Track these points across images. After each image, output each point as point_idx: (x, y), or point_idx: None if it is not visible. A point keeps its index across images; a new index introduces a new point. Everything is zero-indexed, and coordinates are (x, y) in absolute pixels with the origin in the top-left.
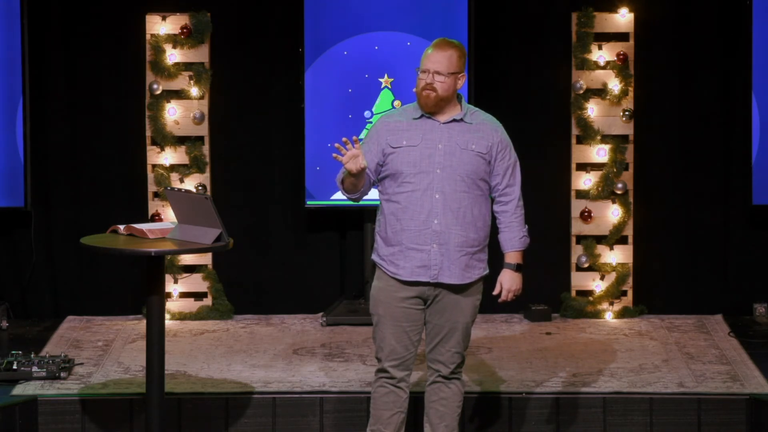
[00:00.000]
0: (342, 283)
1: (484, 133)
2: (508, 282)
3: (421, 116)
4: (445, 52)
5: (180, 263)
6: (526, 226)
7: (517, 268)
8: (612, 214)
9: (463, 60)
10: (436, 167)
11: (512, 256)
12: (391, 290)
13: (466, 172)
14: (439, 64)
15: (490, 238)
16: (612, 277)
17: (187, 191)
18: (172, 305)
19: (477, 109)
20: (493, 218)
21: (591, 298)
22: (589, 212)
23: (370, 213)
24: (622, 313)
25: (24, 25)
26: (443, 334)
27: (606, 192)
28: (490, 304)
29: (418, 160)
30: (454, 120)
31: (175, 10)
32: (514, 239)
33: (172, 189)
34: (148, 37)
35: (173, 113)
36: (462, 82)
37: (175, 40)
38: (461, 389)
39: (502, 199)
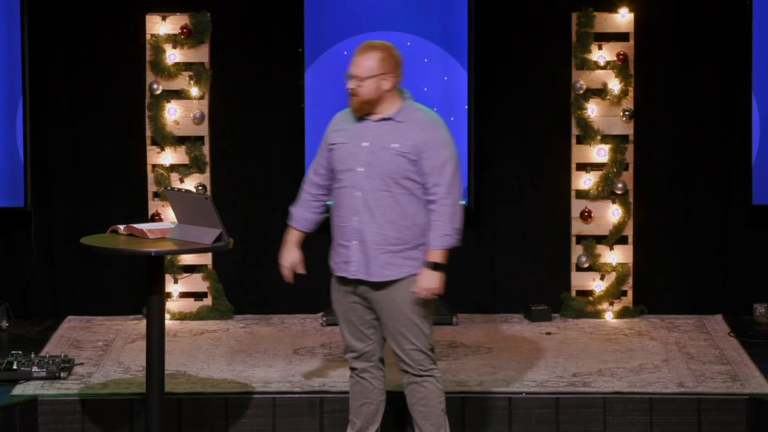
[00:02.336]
0: None
1: (412, 132)
2: (422, 280)
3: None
4: (363, 55)
5: (180, 263)
6: (454, 227)
7: (435, 266)
8: (612, 214)
9: (390, 60)
10: (359, 165)
11: (430, 254)
12: (336, 286)
13: (386, 171)
14: (357, 67)
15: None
16: (612, 277)
17: (187, 191)
18: (172, 305)
19: (420, 107)
20: None
21: (591, 298)
22: (589, 212)
23: None
24: (622, 313)
25: (24, 25)
26: (391, 334)
27: (606, 192)
28: (491, 304)
29: (346, 157)
30: (384, 119)
31: (175, 10)
32: (434, 237)
33: (172, 189)
34: (148, 37)
35: (173, 113)
36: (390, 82)
37: (175, 40)
38: (437, 386)
39: (429, 198)
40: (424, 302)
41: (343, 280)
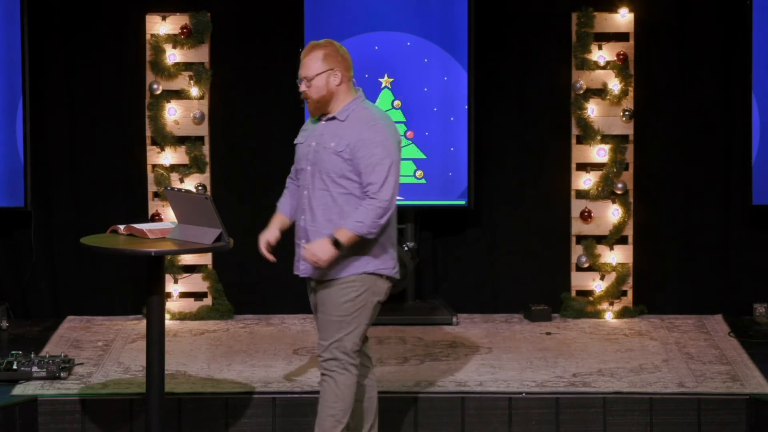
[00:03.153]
0: None
1: (349, 130)
2: (316, 246)
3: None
4: (308, 56)
5: (180, 263)
6: (373, 221)
7: (334, 242)
8: (612, 214)
9: (334, 56)
10: (308, 165)
11: (339, 231)
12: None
13: (326, 170)
14: (304, 68)
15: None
16: (612, 277)
17: (187, 191)
18: (172, 305)
19: (368, 106)
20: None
21: (591, 298)
22: (589, 212)
23: None
24: (622, 313)
25: (24, 24)
26: (317, 328)
27: (606, 192)
28: (491, 304)
29: (300, 157)
30: (330, 118)
31: (175, 10)
32: (350, 220)
33: (172, 189)
34: (148, 37)
35: (173, 113)
36: (338, 78)
37: (175, 40)
38: (334, 389)
39: (365, 195)
40: (346, 305)
41: (305, 279)
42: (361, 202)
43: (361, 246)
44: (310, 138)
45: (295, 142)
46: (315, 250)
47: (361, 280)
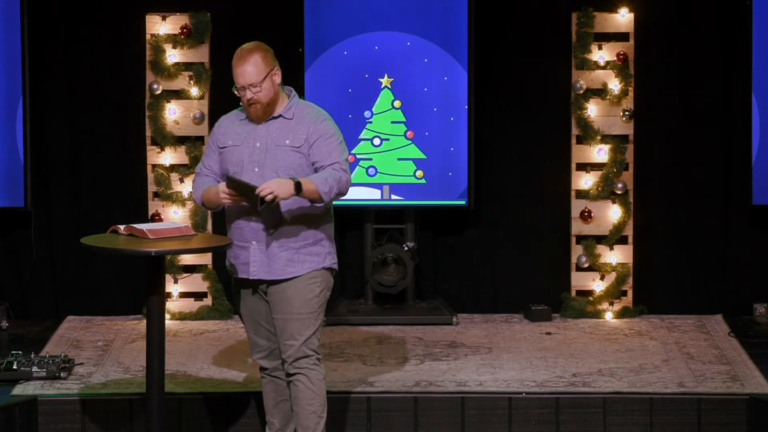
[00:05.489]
0: (342, 283)
1: (302, 126)
2: (273, 182)
3: (247, 116)
4: (247, 62)
5: (180, 263)
6: (337, 185)
7: (296, 185)
8: (612, 214)
9: (269, 56)
10: (254, 166)
11: (305, 179)
12: (237, 287)
13: (281, 168)
14: (249, 75)
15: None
16: (612, 277)
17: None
18: (172, 305)
19: (307, 103)
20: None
21: (591, 298)
22: (589, 212)
23: (369, 213)
24: (622, 313)
25: (24, 25)
26: (278, 328)
27: (606, 192)
28: (491, 304)
29: (240, 159)
30: (273, 117)
31: (175, 10)
32: (318, 174)
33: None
34: (148, 37)
35: (173, 113)
36: (278, 76)
37: (175, 40)
38: (309, 386)
39: (323, 165)
40: (313, 300)
41: (245, 282)
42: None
43: (321, 240)
44: (248, 139)
45: (222, 144)
46: (273, 185)
47: (321, 275)
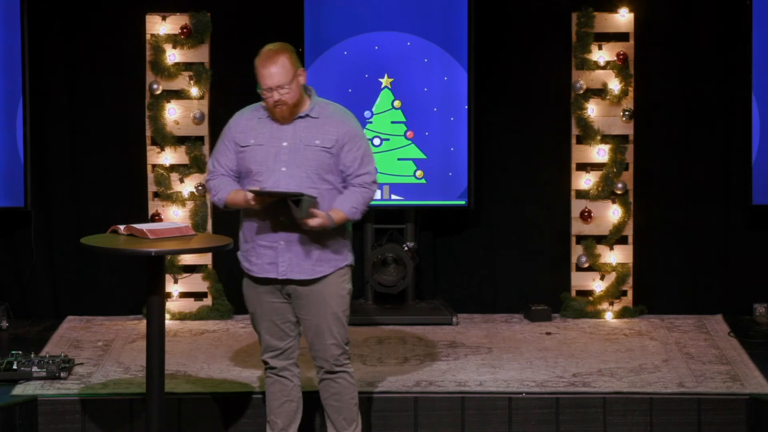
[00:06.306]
0: None
1: (330, 126)
2: (319, 214)
3: (268, 115)
4: (274, 64)
5: (180, 263)
6: (365, 206)
7: (331, 220)
8: (612, 214)
9: (295, 56)
10: (281, 165)
11: (335, 212)
12: (253, 287)
13: (311, 168)
14: (277, 77)
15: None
16: (612, 277)
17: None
18: (172, 305)
19: (328, 101)
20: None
21: (591, 298)
22: (589, 212)
23: (369, 213)
24: (622, 313)
25: (24, 25)
26: (312, 329)
27: (606, 192)
28: (491, 304)
29: (264, 158)
30: (299, 117)
31: (175, 10)
32: (346, 204)
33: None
34: (148, 37)
35: (173, 113)
36: (303, 77)
37: (175, 40)
38: (350, 381)
39: (354, 183)
40: (346, 297)
41: (265, 281)
42: (350, 189)
43: (342, 237)
44: (273, 139)
45: (243, 143)
46: (311, 219)
47: (347, 272)
